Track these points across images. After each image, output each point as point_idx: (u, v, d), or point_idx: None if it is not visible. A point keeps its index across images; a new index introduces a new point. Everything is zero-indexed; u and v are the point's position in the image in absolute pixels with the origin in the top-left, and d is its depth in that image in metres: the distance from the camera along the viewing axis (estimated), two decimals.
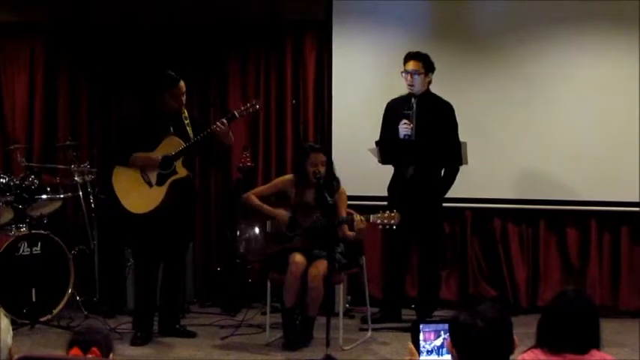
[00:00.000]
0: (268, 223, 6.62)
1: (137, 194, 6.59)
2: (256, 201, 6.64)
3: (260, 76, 8.28)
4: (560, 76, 7.66)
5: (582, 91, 7.63)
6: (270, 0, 8.19)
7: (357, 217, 6.36)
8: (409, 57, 7.09)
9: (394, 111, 7.16)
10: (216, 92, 8.28)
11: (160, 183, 6.58)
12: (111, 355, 3.04)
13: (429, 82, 7.12)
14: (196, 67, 7.93)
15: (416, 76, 7.05)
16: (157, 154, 6.56)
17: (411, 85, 7.07)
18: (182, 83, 6.62)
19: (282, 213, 6.58)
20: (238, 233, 6.68)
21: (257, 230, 6.63)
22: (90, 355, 2.95)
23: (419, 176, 7.01)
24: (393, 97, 7.22)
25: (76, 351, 2.97)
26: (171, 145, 6.58)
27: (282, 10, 8.19)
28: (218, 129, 6.51)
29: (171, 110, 6.62)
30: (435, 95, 7.14)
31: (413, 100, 7.09)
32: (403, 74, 7.09)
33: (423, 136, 6.99)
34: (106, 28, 8.24)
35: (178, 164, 6.58)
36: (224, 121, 6.56)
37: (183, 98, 6.65)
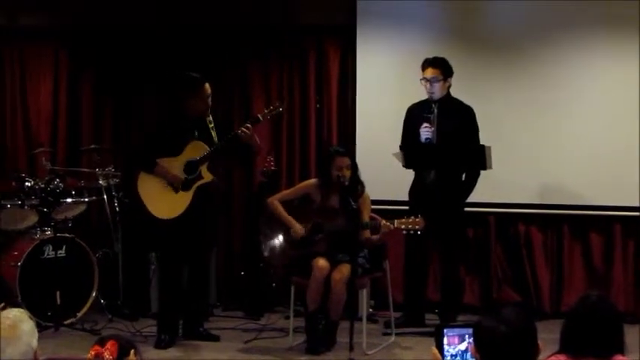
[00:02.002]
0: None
1: (163, 199, 6.60)
2: (278, 208, 6.62)
3: (283, 80, 8.27)
4: (585, 79, 7.61)
5: (606, 94, 7.58)
6: (292, 5, 8.20)
7: (381, 222, 6.35)
8: (427, 64, 7.04)
9: (415, 115, 7.13)
10: (239, 97, 8.30)
11: (185, 188, 6.59)
12: (135, 356, 3.05)
13: (449, 87, 7.09)
14: (219, 72, 7.93)
15: (435, 84, 7.01)
16: (181, 162, 6.56)
17: (431, 93, 7.04)
18: (207, 85, 6.63)
19: (298, 228, 6.55)
20: (262, 237, 6.68)
21: (280, 234, 6.63)
22: (106, 349, 2.96)
23: (440, 181, 6.99)
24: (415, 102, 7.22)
25: (96, 348, 2.99)
26: (196, 149, 6.58)
27: (304, 15, 8.19)
28: (242, 133, 6.53)
29: (197, 113, 6.63)
30: (455, 99, 7.10)
31: (434, 104, 7.08)
32: (422, 81, 7.06)
33: (444, 140, 6.97)
34: (129, 32, 8.28)
35: (203, 169, 6.58)
36: (248, 125, 6.57)
37: (209, 100, 6.66)
